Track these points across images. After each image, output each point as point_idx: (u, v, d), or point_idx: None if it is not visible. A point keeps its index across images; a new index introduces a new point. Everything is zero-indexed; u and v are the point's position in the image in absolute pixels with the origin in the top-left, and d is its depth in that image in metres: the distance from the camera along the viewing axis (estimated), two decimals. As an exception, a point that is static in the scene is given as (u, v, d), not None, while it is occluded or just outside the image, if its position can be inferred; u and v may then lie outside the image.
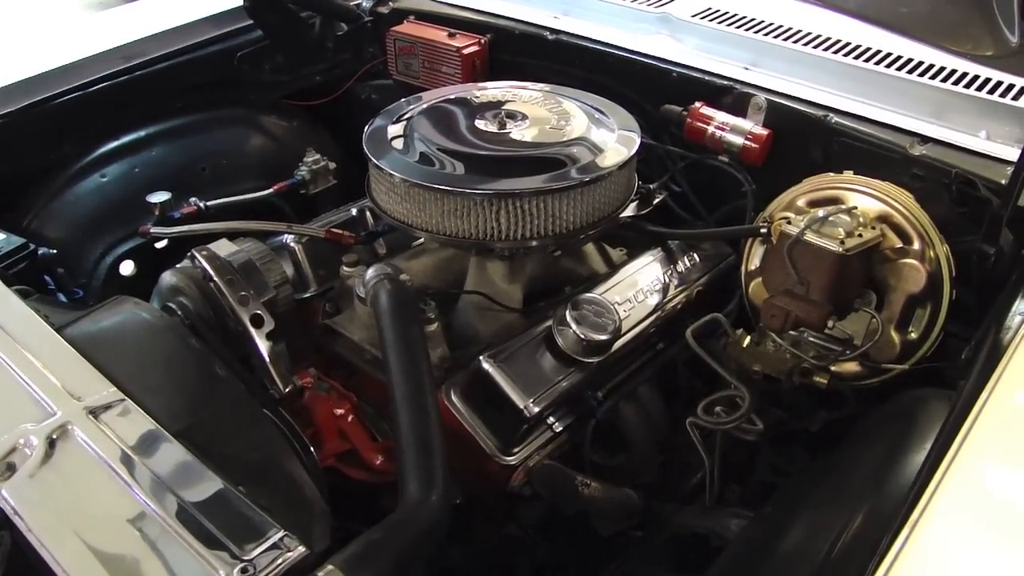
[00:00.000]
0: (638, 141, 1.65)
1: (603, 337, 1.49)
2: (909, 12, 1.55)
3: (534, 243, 1.55)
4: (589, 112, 1.73)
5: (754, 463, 1.69)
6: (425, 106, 1.76)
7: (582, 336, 1.48)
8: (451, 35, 2.21)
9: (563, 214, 1.53)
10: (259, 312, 1.52)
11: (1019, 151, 1.46)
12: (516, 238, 1.53)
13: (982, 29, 1.42)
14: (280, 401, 1.49)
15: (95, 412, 1.10)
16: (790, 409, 1.70)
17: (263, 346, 1.50)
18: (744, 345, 1.59)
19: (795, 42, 1.96)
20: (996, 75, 1.70)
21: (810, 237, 1.48)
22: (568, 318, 1.49)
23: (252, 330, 1.50)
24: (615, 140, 1.64)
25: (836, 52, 1.91)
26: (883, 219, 1.57)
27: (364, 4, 2.42)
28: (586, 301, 1.53)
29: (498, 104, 1.73)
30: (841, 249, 1.45)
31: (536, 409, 1.44)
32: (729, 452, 1.58)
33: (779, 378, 1.59)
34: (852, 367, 1.62)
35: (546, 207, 1.51)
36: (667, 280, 1.72)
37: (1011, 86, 1.69)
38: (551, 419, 1.50)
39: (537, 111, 1.71)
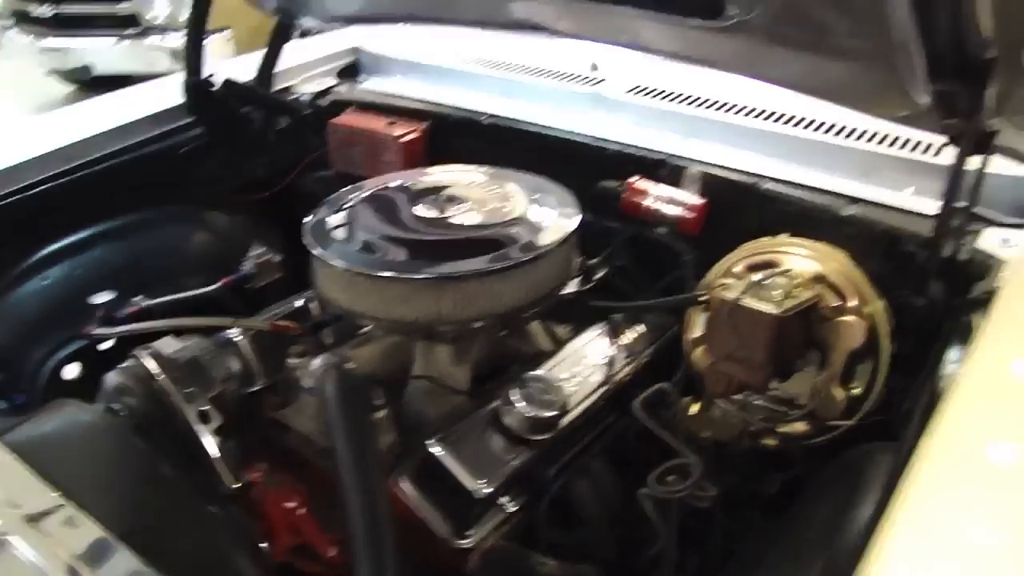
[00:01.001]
0: (577, 218, 1.68)
1: (550, 414, 1.49)
2: (831, 79, 1.61)
3: (478, 325, 1.56)
4: (528, 192, 1.76)
5: (710, 530, 1.69)
6: (365, 195, 1.78)
7: (529, 414, 1.48)
8: (390, 124, 2.25)
9: (505, 294, 1.54)
10: (206, 408, 1.51)
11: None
12: (460, 321, 1.54)
13: (895, 91, 1.48)
14: (230, 498, 1.47)
15: (35, 519, 1.09)
16: (743, 474, 1.71)
17: (211, 442, 1.49)
18: (692, 413, 1.61)
19: (726, 113, 2.02)
20: (916, 134, 1.76)
21: (747, 302, 1.50)
22: (514, 397, 1.49)
23: (199, 427, 1.49)
24: (554, 218, 1.67)
25: (766, 120, 1.98)
26: (819, 279, 1.61)
27: (304, 97, 2.45)
28: (531, 379, 1.54)
29: (438, 189, 1.76)
30: (778, 311, 1.48)
31: (487, 491, 1.43)
32: (685, 521, 1.57)
33: (729, 443, 1.60)
34: (800, 427, 1.63)
35: (488, 288, 1.52)
36: (613, 353, 1.73)
37: (930, 144, 1.76)
38: (504, 499, 1.49)
39: (477, 194, 1.74)
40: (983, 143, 1.49)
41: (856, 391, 1.62)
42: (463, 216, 1.67)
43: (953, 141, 1.52)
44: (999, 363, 1.27)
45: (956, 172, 1.51)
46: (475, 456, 1.47)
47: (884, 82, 1.51)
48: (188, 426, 1.49)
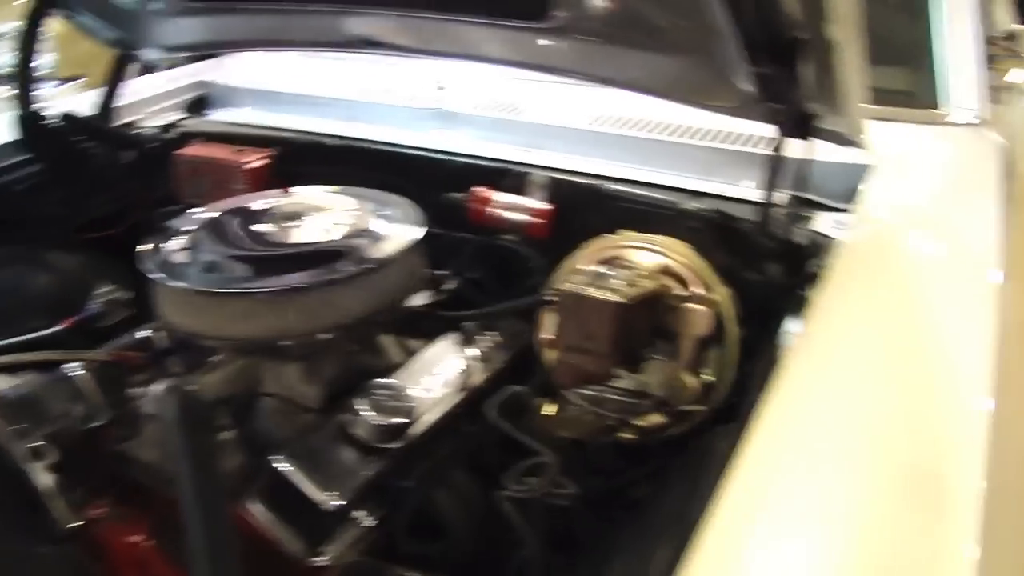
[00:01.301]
0: (422, 229, 1.67)
1: (398, 421, 1.47)
2: (661, 75, 1.64)
3: (323, 338, 1.53)
4: (373, 207, 1.74)
5: (576, 530, 1.68)
6: (205, 218, 1.74)
7: (376, 423, 1.45)
8: (236, 152, 2.20)
9: (348, 305, 1.52)
10: (39, 445, 1.44)
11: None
12: (303, 334, 1.51)
13: (721, 82, 1.52)
14: (68, 536, 1.40)
15: None
16: (606, 471, 1.70)
17: (44, 480, 1.42)
18: (549, 414, 1.60)
19: (569, 119, 2.05)
20: (754, 129, 1.81)
21: (590, 291, 1.52)
22: (361, 406, 1.47)
23: (32, 464, 1.42)
24: (398, 230, 1.66)
25: (609, 125, 2.02)
26: (663, 270, 1.63)
27: (149, 131, 2.39)
28: (378, 386, 1.51)
29: (279, 208, 1.73)
30: (619, 299, 1.49)
31: (337, 504, 1.39)
32: (550, 522, 1.56)
33: (588, 440, 1.60)
34: (657, 418, 1.64)
35: (330, 299, 1.50)
36: (467, 361, 1.71)
37: (761, 137, 1.81)
38: (360, 512, 1.45)
39: (319, 210, 1.71)
40: (804, 126, 1.54)
41: (708, 377, 1.64)
42: (305, 232, 1.64)
43: (776, 126, 1.56)
44: (827, 334, 1.31)
45: (776, 155, 1.56)
46: (324, 470, 1.43)
47: (710, 73, 1.56)
48: (20, 464, 1.42)
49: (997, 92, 2.53)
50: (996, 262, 1.51)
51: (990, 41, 2.47)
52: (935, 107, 2.14)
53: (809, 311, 1.35)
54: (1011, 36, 2.70)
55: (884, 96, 2.05)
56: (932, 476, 1.04)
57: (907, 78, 2.28)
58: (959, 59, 2.18)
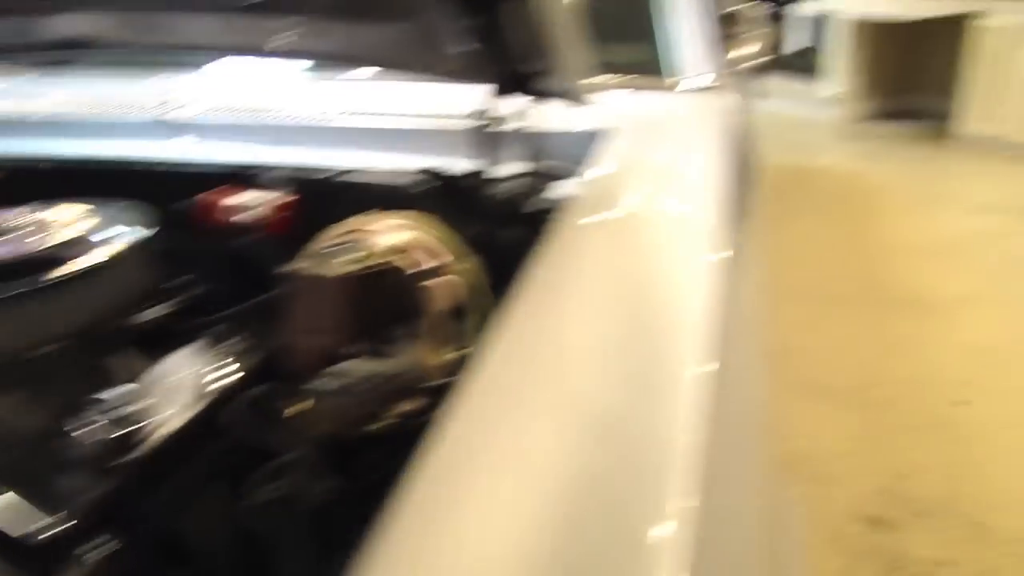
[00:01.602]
0: (145, 234, 1.57)
1: (127, 432, 1.36)
2: (380, 45, 1.61)
3: (34, 354, 1.41)
4: (92, 218, 1.62)
5: (336, 528, 1.60)
6: None
7: (99, 438, 1.34)
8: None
9: (60, 317, 1.41)
10: None
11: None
12: (12, 351, 1.38)
13: (433, 46, 1.50)
14: None
15: None
16: (365, 463, 1.63)
17: None
18: (301, 411, 1.52)
19: (301, 118, 2.01)
20: (480, 101, 1.81)
21: (315, 271, 1.46)
22: (79, 423, 1.35)
23: None
24: (118, 239, 1.55)
25: (351, 118, 2.00)
26: (400, 247, 1.59)
27: None
28: (105, 400, 1.40)
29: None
30: (342, 272, 1.44)
31: (64, 531, 1.27)
32: (306, 523, 1.47)
33: (346, 433, 1.53)
34: (414, 402, 1.58)
35: (36, 310, 1.38)
36: (211, 371, 1.61)
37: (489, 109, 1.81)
38: (96, 538, 1.33)
39: (30, 223, 1.59)
40: (521, 84, 1.53)
41: (464, 351, 1.60)
42: (11, 245, 1.51)
43: (494, 86, 1.56)
44: (547, 294, 1.35)
45: (499, 118, 1.56)
46: (48, 497, 1.30)
47: (420, 36, 1.53)
48: None
49: (733, 64, 2.65)
50: (728, 221, 1.55)
51: (723, 19, 2.60)
52: (671, 76, 2.22)
53: (531, 273, 1.35)
54: (735, 17, 2.87)
55: (618, 68, 2.10)
56: (648, 432, 1.03)
57: (643, 51, 2.35)
58: (691, 31, 2.27)
